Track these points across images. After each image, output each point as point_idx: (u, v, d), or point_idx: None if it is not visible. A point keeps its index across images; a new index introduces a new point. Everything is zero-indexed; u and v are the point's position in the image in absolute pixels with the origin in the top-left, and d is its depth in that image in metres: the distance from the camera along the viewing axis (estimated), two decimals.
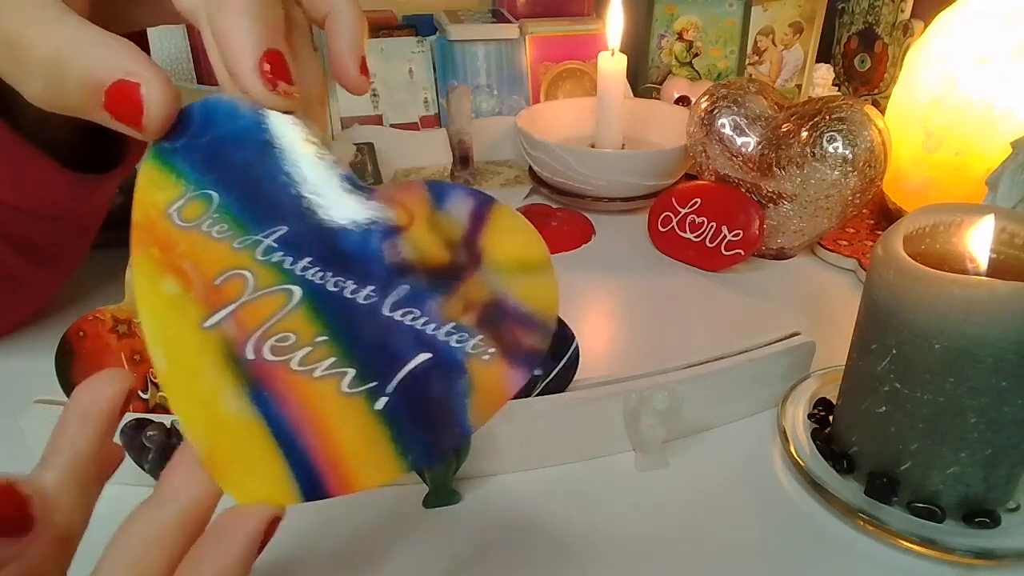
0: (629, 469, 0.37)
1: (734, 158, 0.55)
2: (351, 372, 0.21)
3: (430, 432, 0.21)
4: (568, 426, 0.36)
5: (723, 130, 0.55)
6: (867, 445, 0.34)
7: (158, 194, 0.22)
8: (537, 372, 0.36)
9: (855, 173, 0.49)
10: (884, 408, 0.33)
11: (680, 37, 0.77)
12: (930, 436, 0.32)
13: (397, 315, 0.21)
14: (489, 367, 0.21)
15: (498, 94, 0.74)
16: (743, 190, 0.55)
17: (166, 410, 0.34)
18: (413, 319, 0.21)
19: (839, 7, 0.81)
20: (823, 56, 0.83)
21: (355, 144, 0.61)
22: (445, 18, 0.73)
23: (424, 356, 0.21)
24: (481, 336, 0.21)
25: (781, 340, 0.41)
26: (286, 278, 0.21)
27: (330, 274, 0.21)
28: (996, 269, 0.33)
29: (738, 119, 0.55)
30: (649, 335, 0.49)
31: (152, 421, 0.33)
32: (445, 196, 0.22)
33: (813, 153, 0.50)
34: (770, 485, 0.36)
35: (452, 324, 0.21)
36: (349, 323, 0.21)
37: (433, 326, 0.21)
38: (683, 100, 0.73)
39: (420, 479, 0.35)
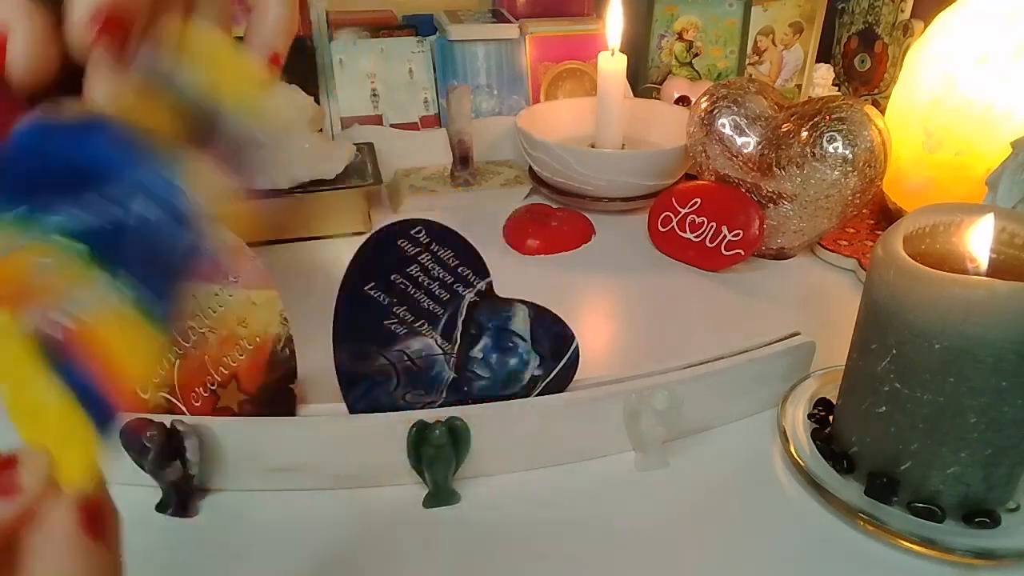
0: (629, 469, 0.37)
1: (734, 158, 0.55)
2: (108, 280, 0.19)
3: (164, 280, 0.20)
4: (568, 426, 0.36)
5: (723, 130, 0.55)
6: (867, 445, 0.34)
7: None
8: (537, 372, 0.36)
9: (855, 173, 0.49)
10: (884, 408, 0.33)
11: (680, 37, 0.77)
12: (930, 436, 0.32)
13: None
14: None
15: (498, 94, 0.74)
16: (743, 190, 0.55)
17: (166, 410, 0.34)
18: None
19: (839, 7, 0.81)
20: (823, 56, 0.83)
21: (355, 144, 0.61)
22: (445, 18, 0.73)
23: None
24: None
25: (781, 340, 0.41)
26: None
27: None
28: (996, 269, 0.33)
29: (738, 119, 0.55)
30: (649, 335, 0.49)
31: (152, 421, 0.33)
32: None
33: (813, 153, 0.50)
34: (770, 485, 0.36)
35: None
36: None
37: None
38: (683, 100, 0.73)
39: (420, 479, 0.35)
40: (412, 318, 0.34)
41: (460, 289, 0.34)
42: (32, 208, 0.19)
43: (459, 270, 0.33)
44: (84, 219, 0.20)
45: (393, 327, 0.34)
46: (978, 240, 0.33)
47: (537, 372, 0.36)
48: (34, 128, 0.20)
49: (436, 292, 0.34)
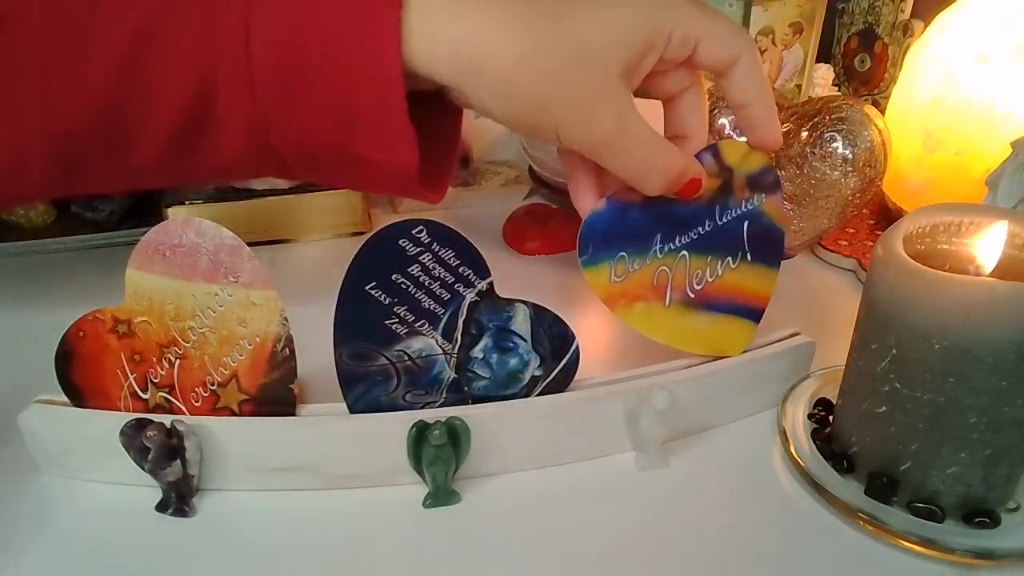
0: (629, 469, 0.37)
1: None
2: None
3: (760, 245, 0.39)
4: (568, 426, 0.36)
5: (723, 130, 0.55)
6: (867, 445, 0.34)
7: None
8: (537, 372, 0.36)
9: (855, 173, 0.49)
10: (884, 408, 0.33)
11: None
12: (930, 436, 0.32)
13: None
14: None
15: None
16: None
17: (166, 410, 0.34)
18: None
19: (839, 7, 0.81)
20: (823, 56, 0.83)
21: None
22: None
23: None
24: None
25: (781, 340, 0.41)
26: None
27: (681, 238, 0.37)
28: (997, 269, 0.33)
29: None
30: None
31: (152, 421, 0.33)
32: None
33: (813, 153, 0.50)
34: (770, 485, 0.36)
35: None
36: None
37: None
38: None
39: (420, 479, 0.35)
40: (413, 318, 0.34)
41: (461, 289, 0.34)
42: (662, 242, 0.37)
43: (460, 270, 0.33)
44: (692, 238, 0.37)
45: (394, 327, 0.34)
46: (987, 244, 0.33)
47: (537, 372, 0.36)
48: (620, 204, 0.36)
49: (437, 292, 0.34)
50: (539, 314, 0.35)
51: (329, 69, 0.29)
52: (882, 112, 0.52)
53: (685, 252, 0.37)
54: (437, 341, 0.34)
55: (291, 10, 0.29)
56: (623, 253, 0.36)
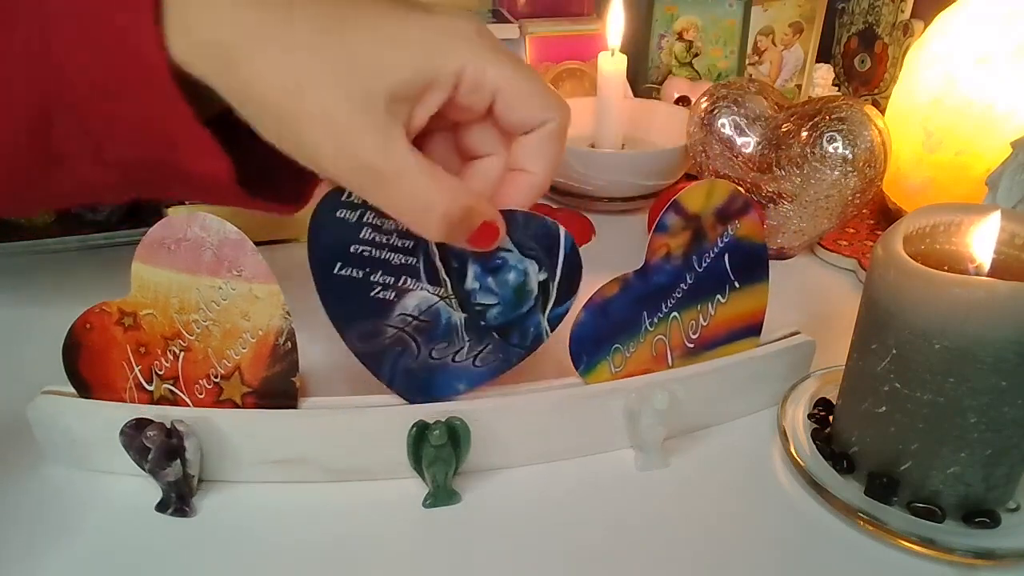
0: (629, 468, 0.37)
1: (734, 158, 0.55)
2: None
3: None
4: (568, 423, 0.36)
5: (723, 130, 0.55)
6: (867, 445, 0.34)
7: None
8: (541, 277, 0.34)
9: (855, 173, 0.49)
10: (884, 408, 0.33)
11: (680, 37, 0.77)
12: (930, 436, 0.32)
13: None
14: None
15: None
16: (743, 190, 0.55)
17: (171, 402, 0.35)
18: None
19: (839, 7, 0.81)
20: (823, 56, 0.83)
21: None
22: None
23: None
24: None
25: (781, 339, 0.41)
26: None
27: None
28: (996, 269, 0.33)
29: (738, 119, 0.55)
30: None
31: (152, 421, 0.33)
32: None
33: (813, 153, 0.50)
34: (770, 485, 0.36)
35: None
36: None
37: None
38: (683, 100, 0.73)
39: (420, 479, 0.35)
40: (393, 279, 0.33)
41: None
42: (649, 316, 0.37)
43: None
44: (677, 298, 0.37)
45: (381, 295, 0.33)
46: (981, 240, 0.33)
47: (542, 276, 0.34)
48: (599, 304, 0.36)
49: (398, 244, 0.32)
50: (509, 220, 0.32)
51: (113, 83, 0.28)
52: (882, 112, 0.52)
53: (675, 313, 0.37)
54: (428, 290, 0.33)
55: (82, 30, 0.28)
56: (617, 345, 0.36)
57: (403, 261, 0.33)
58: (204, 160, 0.30)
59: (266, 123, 0.28)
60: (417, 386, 0.35)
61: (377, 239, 0.32)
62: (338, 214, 0.31)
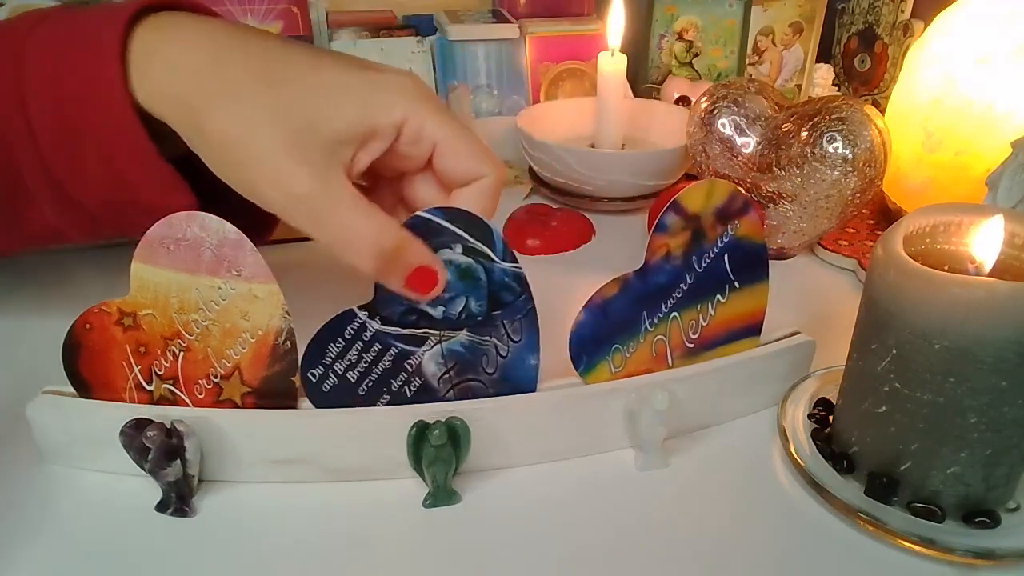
0: (629, 468, 0.37)
1: (734, 158, 0.55)
2: None
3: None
4: (568, 423, 0.36)
5: (723, 130, 0.55)
6: (867, 445, 0.34)
7: None
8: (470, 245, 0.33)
9: (855, 173, 0.49)
10: (884, 408, 0.33)
11: (680, 37, 0.77)
12: (930, 436, 0.32)
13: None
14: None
15: (498, 94, 0.74)
16: (743, 190, 0.55)
17: (170, 402, 0.35)
18: None
19: (839, 7, 0.81)
20: (823, 56, 0.83)
21: None
22: (445, 18, 0.73)
23: None
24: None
25: (781, 339, 0.41)
26: None
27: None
28: (996, 269, 0.33)
29: (738, 119, 0.55)
30: None
31: (152, 421, 0.33)
32: None
33: (813, 153, 0.50)
34: (770, 485, 0.36)
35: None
36: None
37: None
38: (683, 100, 0.73)
39: (420, 479, 0.35)
40: (387, 377, 0.35)
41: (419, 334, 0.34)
42: (649, 316, 0.36)
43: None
44: (677, 298, 0.37)
45: (370, 388, 0.35)
46: (985, 241, 0.33)
47: (463, 251, 0.33)
48: (599, 304, 0.35)
49: (381, 357, 0.34)
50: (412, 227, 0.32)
51: (80, 121, 0.32)
52: (882, 112, 0.52)
53: (675, 313, 0.37)
54: (418, 351, 0.35)
55: (54, 70, 0.32)
56: (616, 345, 0.36)
57: (388, 365, 0.35)
58: (168, 195, 0.33)
59: (214, 162, 0.32)
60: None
61: (362, 359, 0.34)
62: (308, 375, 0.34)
